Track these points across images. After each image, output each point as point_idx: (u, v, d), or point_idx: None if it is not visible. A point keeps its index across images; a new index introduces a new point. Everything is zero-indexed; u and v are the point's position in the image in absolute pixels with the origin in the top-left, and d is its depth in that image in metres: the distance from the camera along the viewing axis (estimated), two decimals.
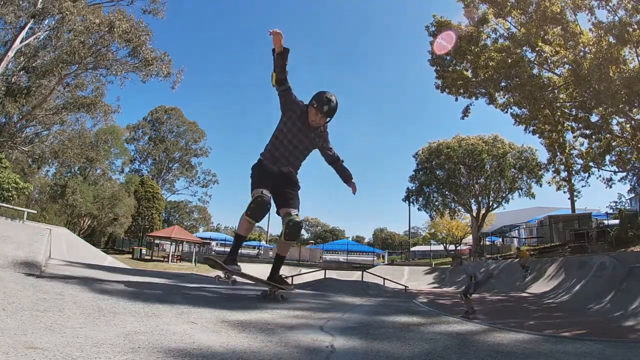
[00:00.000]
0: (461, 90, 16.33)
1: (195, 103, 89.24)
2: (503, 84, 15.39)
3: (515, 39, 14.23)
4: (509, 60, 14.22)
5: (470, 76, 16.02)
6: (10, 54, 15.29)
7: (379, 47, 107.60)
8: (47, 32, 16.37)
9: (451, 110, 48.67)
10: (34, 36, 16.13)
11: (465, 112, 16.99)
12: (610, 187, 17.19)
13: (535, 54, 14.87)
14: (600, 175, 17.37)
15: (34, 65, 16.69)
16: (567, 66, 14.37)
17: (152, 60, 17.20)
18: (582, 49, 13.30)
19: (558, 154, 17.32)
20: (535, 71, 15.27)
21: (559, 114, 15.74)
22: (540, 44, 13.80)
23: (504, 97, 16.66)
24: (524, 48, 14.77)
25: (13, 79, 16.49)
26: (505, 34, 15.32)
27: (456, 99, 16.90)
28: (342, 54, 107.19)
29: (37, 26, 15.99)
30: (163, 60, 17.64)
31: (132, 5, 17.58)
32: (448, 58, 16.72)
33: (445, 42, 16.26)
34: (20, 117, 17.88)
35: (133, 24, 16.59)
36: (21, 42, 15.55)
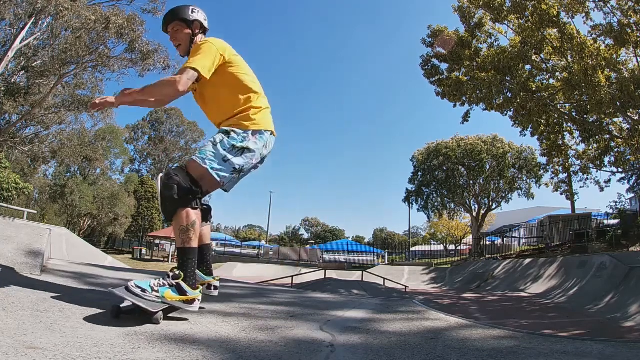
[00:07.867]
0: (455, 94, 16.40)
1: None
2: (497, 98, 15.46)
3: (512, 50, 14.27)
4: (498, 76, 14.33)
5: (466, 79, 16.05)
6: (10, 54, 15.28)
7: (379, 49, 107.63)
8: (47, 33, 16.36)
9: (452, 109, 48.70)
10: (34, 36, 16.12)
11: (465, 117, 17.18)
12: (602, 190, 17.31)
13: (530, 64, 14.89)
14: (595, 178, 17.47)
15: (33, 65, 16.68)
16: (560, 73, 14.39)
17: (148, 54, 17.09)
18: (570, 56, 13.27)
19: (556, 158, 17.38)
20: (534, 77, 15.27)
21: (556, 116, 15.73)
22: (544, 46, 13.76)
23: (498, 109, 16.70)
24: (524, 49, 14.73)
25: (13, 79, 16.48)
26: (501, 43, 15.50)
27: (454, 106, 17.09)
28: (340, 55, 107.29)
29: (36, 28, 15.97)
30: (158, 51, 17.56)
31: (132, 5, 17.55)
32: (443, 67, 16.90)
33: (441, 49, 16.42)
34: (20, 117, 17.87)
35: (129, 17, 16.49)
36: (21, 42, 15.53)
